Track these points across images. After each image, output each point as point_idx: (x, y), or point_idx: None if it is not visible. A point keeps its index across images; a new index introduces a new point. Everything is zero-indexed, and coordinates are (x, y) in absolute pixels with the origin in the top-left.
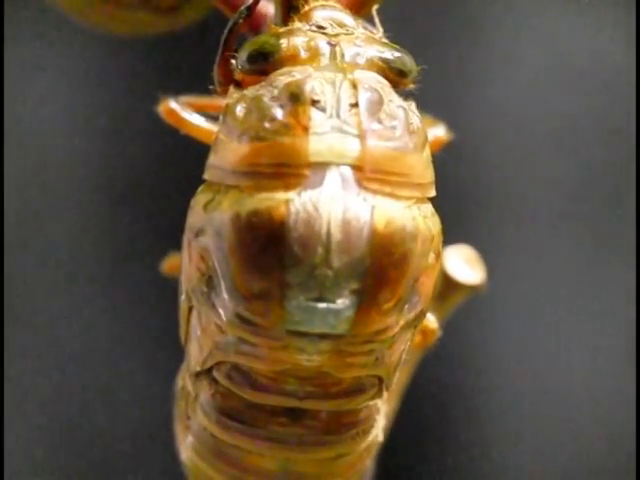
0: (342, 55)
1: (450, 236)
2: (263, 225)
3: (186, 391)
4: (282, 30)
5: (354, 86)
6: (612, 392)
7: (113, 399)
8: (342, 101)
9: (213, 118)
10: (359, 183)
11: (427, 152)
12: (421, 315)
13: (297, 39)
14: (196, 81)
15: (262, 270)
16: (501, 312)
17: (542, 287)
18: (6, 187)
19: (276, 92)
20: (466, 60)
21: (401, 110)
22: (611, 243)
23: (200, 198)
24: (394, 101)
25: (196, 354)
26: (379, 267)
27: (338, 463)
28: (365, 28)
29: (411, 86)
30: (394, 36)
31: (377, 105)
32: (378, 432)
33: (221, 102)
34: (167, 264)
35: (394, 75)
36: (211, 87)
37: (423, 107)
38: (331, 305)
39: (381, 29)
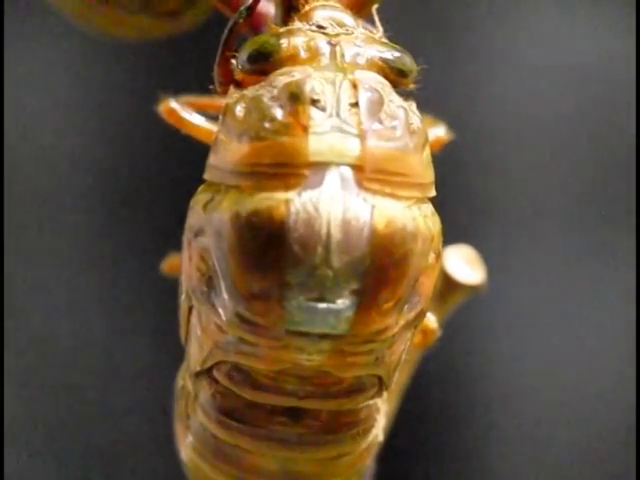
0: (342, 55)
1: (450, 236)
2: (263, 225)
3: (186, 391)
4: (282, 30)
5: (354, 86)
6: (612, 392)
7: (113, 399)
8: (342, 101)
9: (213, 118)
10: (359, 183)
11: (427, 152)
12: (421, 315)
13: (297, 39)
14: (196, 81)
15: (262, 270)
16: (501, 312)
17: (542, 287)
18: (6, 187)
19: (276, 92)
20: (466, 60)
21: (401, 110)
22: (611, 243)
23: (200, 198)
24: (394, 101)
25: (196, 354)
26: (379, 267)
27: (338, 463)
28: (365, 28)
29: (411, 86)
30: (394, 36)
31: (377, 105)
32: (378, 432)
33: (221, 102)
34: (167, 264)
35: (394, 75)
36: (211, 87)
37: (423, 107)
38: (331, 305)
39: (381, 29)
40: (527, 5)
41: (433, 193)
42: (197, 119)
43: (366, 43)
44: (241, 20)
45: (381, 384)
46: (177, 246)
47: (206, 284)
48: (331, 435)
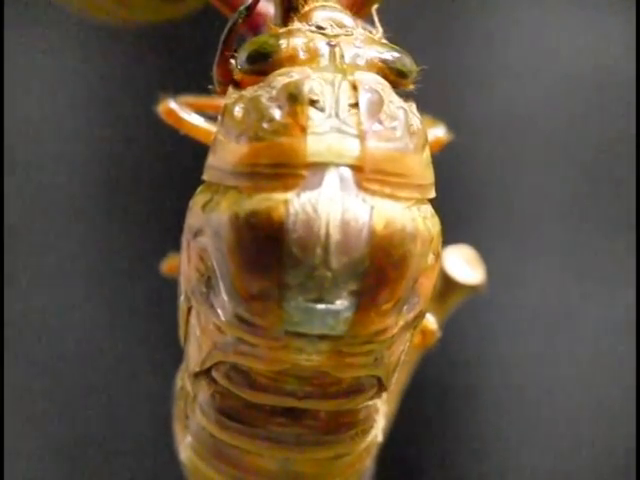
0: (342, 56)
1: (450, 236)
2: (262, 226)
3: (185, 391)
4: (282, 31)
5: (354, 87)
6: (612, 392)
7: (112, 399)
8: (341, 101)
9: (212, 118)
10: (358, 184)
11: (427, 153)
12: (420, 316)
13: (296, 40)
14: (196, 81)
15: (261, 271)
16: (501, 312)
17: (542, 287)
18: (6, 187)
19: (274, 92)
20: (466, 60)
21: (401, 111)
22: (611, 243)
23: (199, 199)
24: (394, 102)
25: (195, 354)
26: (378, 268)
27: (337, 463)
28: (365, 28)
29: (411, 87)
30: (394, 36)
31: (377, 106)
32: (378, 432)
33: (220, 102)
34: (167, 264)
35: (394, 76)
36: (210, 87)
37: (423, 108)
38: (330, 306)
39: (381, 29)
40: (527, 6)
41: (433, 194)
42: (196, 119)
43: (366, 44)
44: (240, 20)
45: (380, 385)
46: (177, 246)
47: (205, 285)
48: (330, 435)
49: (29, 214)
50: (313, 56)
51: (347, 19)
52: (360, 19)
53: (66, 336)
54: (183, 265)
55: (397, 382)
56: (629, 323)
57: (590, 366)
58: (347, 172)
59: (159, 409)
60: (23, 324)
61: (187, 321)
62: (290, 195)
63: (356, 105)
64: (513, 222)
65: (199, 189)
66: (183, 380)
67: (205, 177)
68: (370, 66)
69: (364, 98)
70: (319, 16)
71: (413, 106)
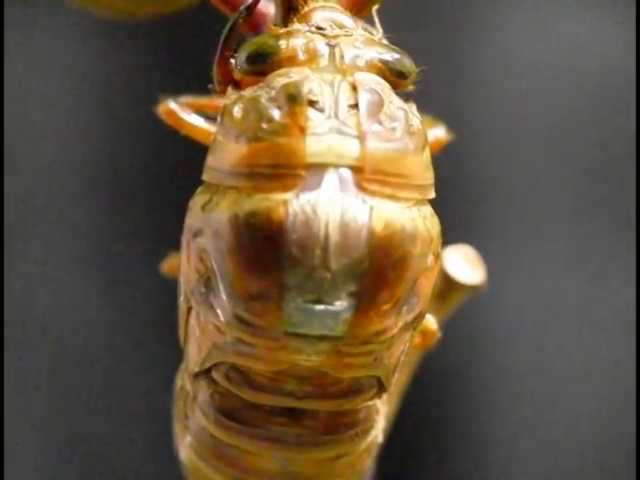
0: (342, 56)
1: (450, 236)
2: (261, 226)
3: (185, 391)
4: (281, 31)
5: (354, 88)
6: (612, 392)
7: (112, 399)
8: (341, 102)
9: (212, 118)
10: (358, 184)
11: (427, 154)
12: (420, 316)
13: (296, 40)
14: (196, 81)
15: (260, 271)
16: (501, 312)
17: (542, 287)
18: (6, 187)
19: (273, 93)
20: (466, 61)
21: (401, 111)
22: (611, 243)
23: (198, 199)
24: (394, 102)
25: (195, 355)
26: (378, 269)
27: (337, 463)
28: (365, 29)
29: (411, 88)
30: (394, 37)
31: (377, 106)
32: (378, 433)
33: (220, 102)
34: (167, 265)
35: (394, 77)
36: (210, 87)
37: (423, 108)
38: (329, 307)
39: (381, 30)
40: (527, 5)
41: (433, 195)
42: (196, 120)
43: (365, 45)
44: (241, 20)
45: (380, 385)
46: (177, 246)
47: (204, 285)
48: (330, 435)
49: (29, 214)
50: (313, 57)
51: (347, 20)
52: (360, 20)
53: (66, 336)
54: (183, 265)
55: (397, 383)
56: (630, 323)
57: (590, 366)
58: (347, 173)
59: (159, 409)
60: (23, 324)
61: (187, 321)
62: (289, 195)
63: (356, 106)
64: (513, 222)
65: (199, 189)
66: (183, 380)
67: (204, 177)
68: (370, 67)
69: (364, 99)
70: (319, 17)
71: (413, 107)
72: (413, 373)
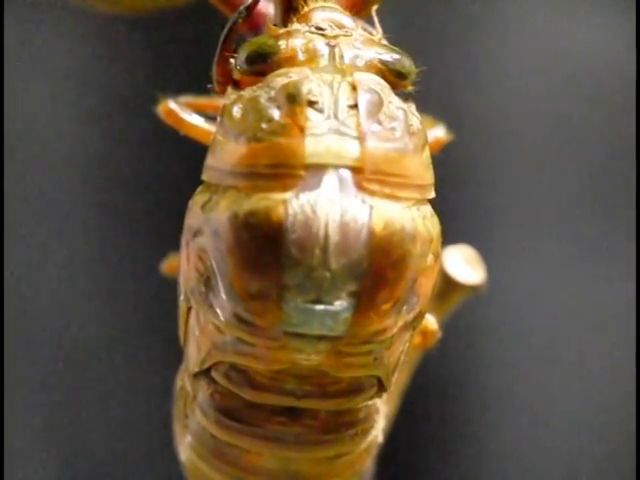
0: (341, 57)
1: (450, 236)
2: (260, 225)
3: (185, 391)
4: (281, 31)
5: (353, 88)
6: (612, 393)
7: (112, 400)
8: (340, 103)
9: (212, 118)
10: (358, 184)
11: (427, 153)
12: (420, 316)
13: (296, 41)
14: (196, 81)
15: (259, 271)
16: (501, 312)
17: (542, 287)
18: (6, 187)
19: (273, 93)
20: (466, 61)
21: (401, 111)
22: (612, 243)
23: (198, 199)
24: (394, 102)
25: (194, 354)
26: (377, 269)
27: (337, 463)
28: (365, 29)
29: (410, 88)
30: (394, 37)
31: (377, 106)
32: (378, 433)
33: (220, 102)
34: (167, 264)
35: (393, 77)
36: (210, 86)
37: (423, 108)
38: (329, 307)
39: (380, 30)
40: (527, 5)
41: (432, 194)
42: (196, 120)
43: (365, 45)
44: (240, 20)
45: (380, 385)
46: (177, 246)
47: (204, 284)
48: (330, 435)
49: (29, 214)
50: (312, 57)
51: (347, 20)
52: (360, 20)
53: (66, 336)
54: (182, 265)
55: (397, 382)
56: (630, 322)
57: (590, 365)
58: (346, 173)
59: (159, 409)
60: (23, 324)
61: (186, 321)
62: (289, 195)
63: (355, 106)
64: (513, 222)
65: (198, 189)
66: (183, 380)
67: (204, 177)
68: (369, 67)
69: (363, 98)
70: (319, 17)
71: (413, 106)
72: (413, 373)
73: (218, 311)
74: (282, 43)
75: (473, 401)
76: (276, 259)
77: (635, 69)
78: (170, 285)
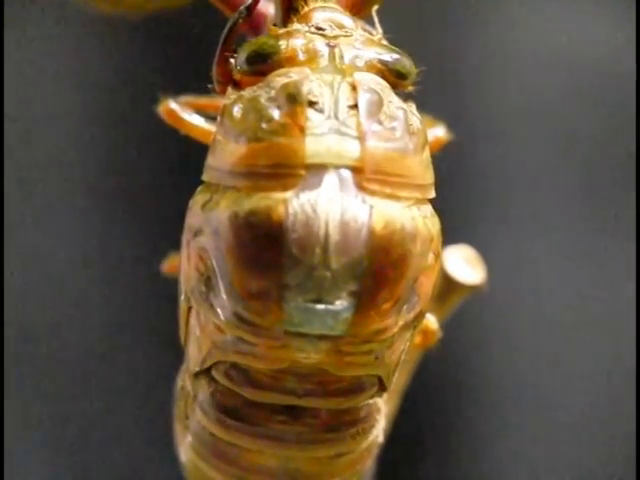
0: (341, 57)
1: (450, 236)
2: (261, 224)
3: (185, 391)
4: (281, 31)
5: (354, 88)
6: (613, 393)
7: (112, 400)
8: (340, 103)
9: (213, 118)
10: (358, 184)
11: (427, 153)
12: (420, 315)
13: (296, 41)
14: (196, 81)
15: (260, 270)
16: (501, 312)
17: (542, 287)
18: (6, 187)
19: (273, 93)
20: (466, 60)
21: (401, 111)
22: (611, 243)
23: (198, 198)
24: (394, 102)
25: (195, 354)
26: (378, 268)
27: (338, 462)
28: (365, 29)
29: (410, 88)
30: (393, 37)
31: (377, 106)
32: (379, 433)
33: (220, 102)
34: (167, 264)
35: (393, 77)
36: (210, 86)
37: (423, 108)
38: (329, 306)
39: (380, 30)
40: (526, 4)
41: (433, 194)
42: (196, 120)
43: (365, 45)
44: (240, 20)
45: (381, 384)
46: (177, 246)
47: (205, 284)
48: (330, 434)
49: (29, 213)
50: (312, 57)
51: (347, 20)
52: (360, 20)
53: (66, 336)
54: (183, 265)
55: (397, 382)
56: (630, 321)
57: (591, 364)
58: (346, 173)
59: (159, 409)
60: (23, 323)
61: (187, 321)
62: (289, 195)
63: (355, 106)
64: (513, 222)
65: (199, 189)
66: (183, 380)
67: (204, 177)
68: (369, 67)
69: (363, 99)
70: (319, 17)
71: (413, 106)
72: (413, 372)
73: (219, 311)
74: (282, 43)
75: (473, 400)
76: (277, 258)
77: (635, 68)
78: (170, 285)
